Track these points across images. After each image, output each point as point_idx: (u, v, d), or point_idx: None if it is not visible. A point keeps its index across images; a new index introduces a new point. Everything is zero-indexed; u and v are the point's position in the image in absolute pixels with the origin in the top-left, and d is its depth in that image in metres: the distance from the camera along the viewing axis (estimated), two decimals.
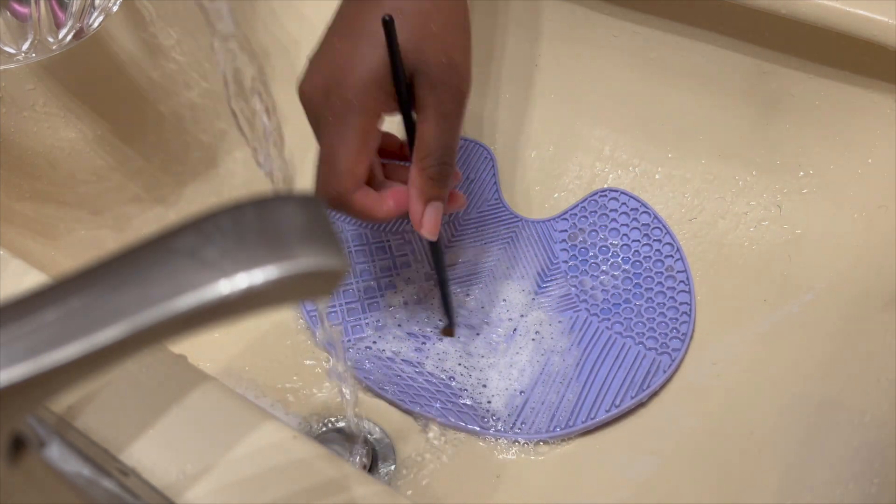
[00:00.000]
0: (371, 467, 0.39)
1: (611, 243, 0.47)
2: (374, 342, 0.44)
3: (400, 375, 0.43)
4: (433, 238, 0.38)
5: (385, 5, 0.35)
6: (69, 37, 0.40)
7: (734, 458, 0.38)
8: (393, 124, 0.39)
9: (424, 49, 0.35)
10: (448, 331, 0.44)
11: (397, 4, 0.35)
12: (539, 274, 0.46)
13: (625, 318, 0.44)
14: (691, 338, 0.43)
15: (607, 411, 0.40)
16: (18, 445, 0.20)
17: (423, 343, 0.44)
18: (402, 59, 0.35)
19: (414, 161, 0.37)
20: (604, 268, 0.46)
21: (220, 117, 0.51)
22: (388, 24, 0.34)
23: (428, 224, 0.37)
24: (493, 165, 0.51)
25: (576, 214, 0.48)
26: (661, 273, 0.45)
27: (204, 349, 0.30)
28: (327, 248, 0.16)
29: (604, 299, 0.45)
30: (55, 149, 0.45)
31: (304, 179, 0.40)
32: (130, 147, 0.48)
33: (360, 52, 0.35)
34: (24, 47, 0.39)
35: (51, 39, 0.40)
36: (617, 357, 0.42)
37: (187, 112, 0.50)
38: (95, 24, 0.41)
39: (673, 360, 0.42)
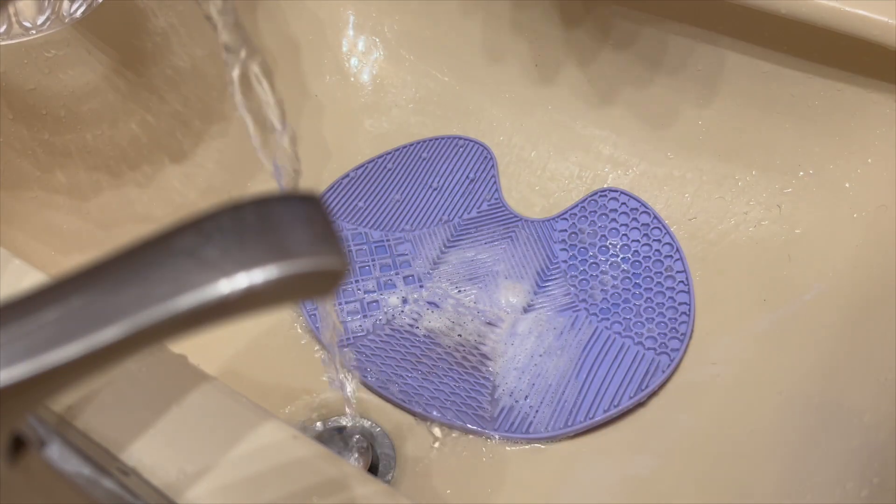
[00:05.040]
0: (371, 467, 0.39)
1: (610, 243, 0.47)
2: (374, 341, 0.44)
3: (400, 375, 0.43)
4: None
5: None
6: (81, 9, 0.41)
7: (734, 458, 0.38)
8: None
9: None
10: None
11: None
12: (538, 273, 0.46)
13: (624, 318, 0.44)
14: (690, 338, 0.43)
15: (606, 411, 0.40)
16: (18, 445, 0.20)
17: (423, 342, 0.44)
18: None
19: None
20: (603, 268, 0.46)
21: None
22: None
23: None
24: (493, 165, 0.51)
25: (575, 214, 0.48)
26: (661, 273, 0.45)
27: (204, 349, 0.30)
28: (328, 247, 0.16)
29: (603, 299, 0.45)
30: (56, 149, 0.45)
31: (307, 179, 0.40)
32: (133, 147, 0.48)
33: None
34: (40, 21, 0.40)
35: (64, 13, 0.41)
36: (616, 357, 0.42)
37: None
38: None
39: (672, 360, 0.42)
